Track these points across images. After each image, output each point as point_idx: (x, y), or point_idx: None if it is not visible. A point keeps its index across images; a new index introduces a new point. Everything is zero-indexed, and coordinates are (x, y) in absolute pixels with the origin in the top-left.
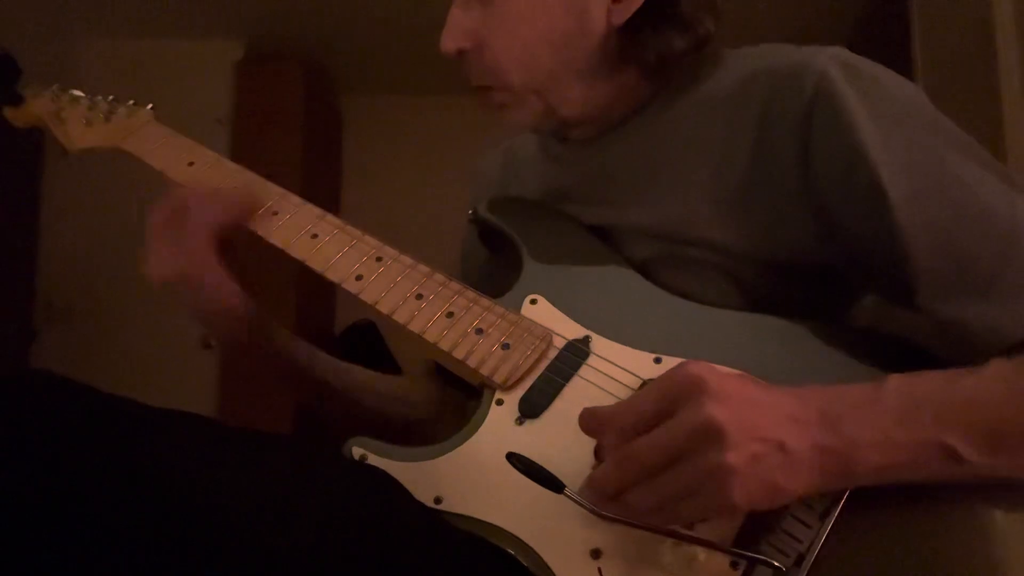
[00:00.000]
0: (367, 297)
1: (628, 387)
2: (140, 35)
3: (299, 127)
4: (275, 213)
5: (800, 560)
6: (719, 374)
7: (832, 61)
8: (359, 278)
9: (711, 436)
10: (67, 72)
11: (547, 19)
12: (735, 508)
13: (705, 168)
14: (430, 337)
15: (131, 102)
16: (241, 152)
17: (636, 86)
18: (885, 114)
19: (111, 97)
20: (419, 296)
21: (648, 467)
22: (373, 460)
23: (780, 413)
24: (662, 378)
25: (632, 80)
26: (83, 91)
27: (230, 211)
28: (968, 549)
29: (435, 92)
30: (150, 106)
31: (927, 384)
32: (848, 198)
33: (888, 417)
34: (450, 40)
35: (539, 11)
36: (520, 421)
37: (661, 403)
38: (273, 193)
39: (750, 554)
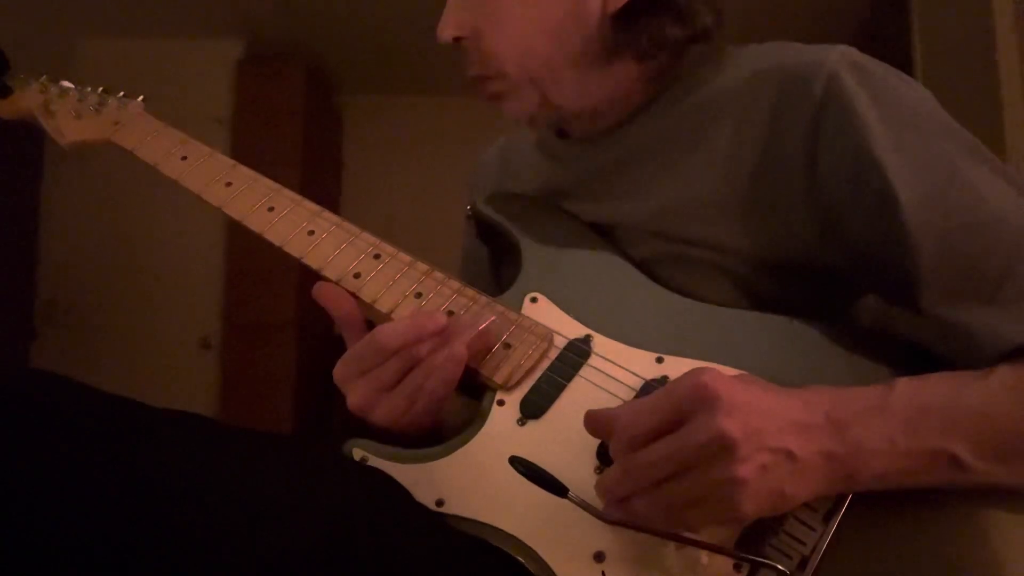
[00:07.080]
0: (365, 295)
1: (630, 387)
2: (140, 35)
3: (299, 127)
4: (270, 209)
5: (804, 563)
6: (728, 383)
7: (842, 62)
8: (357, 276)
9: (721, 449)
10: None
11: (544, 6)
12: (742, 517)
13: (710, 168)
14: None
15: (121, 94)
16: (241, 152)
17: (636, 81)
18: (895, 117)
19: (101, 89)
20: (418, 295)
21: (657, 475)
22: (374, 462)
23: (788, 419)
24: (671, 385)
25: (631, 74)
26: (73, 83)
27: (472, 360)
28: (970, 552)
29: (435, 92)
30: (141, 98)
31: (934, 390)
32: (856, 200)
33: (895, 424)
34: (446, 28)
35: None
36: (522, 422)
37: (671, 412)
38: (268, 189)
39: (754, 557)
